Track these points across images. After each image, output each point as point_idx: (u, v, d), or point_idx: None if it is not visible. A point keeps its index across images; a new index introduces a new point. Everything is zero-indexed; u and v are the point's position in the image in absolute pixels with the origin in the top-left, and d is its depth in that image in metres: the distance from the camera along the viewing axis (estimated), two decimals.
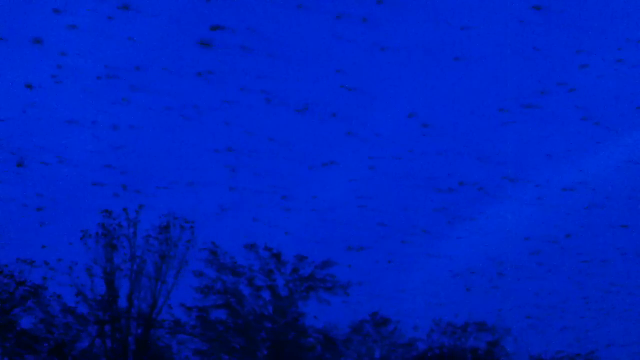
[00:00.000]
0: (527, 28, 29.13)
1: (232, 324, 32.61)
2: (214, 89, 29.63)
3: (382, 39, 28.69)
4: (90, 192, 32.14)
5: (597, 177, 36.66)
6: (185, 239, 31.51)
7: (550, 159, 36.58)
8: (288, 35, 28.28)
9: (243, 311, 32.79)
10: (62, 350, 30.80)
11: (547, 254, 36.55)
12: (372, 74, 30.38)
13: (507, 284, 36.26)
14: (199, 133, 31.69)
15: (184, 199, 32.40)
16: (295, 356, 33.02)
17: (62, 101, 29.41)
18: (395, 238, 35.69)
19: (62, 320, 30.68)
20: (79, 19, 26.31)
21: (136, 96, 29.32)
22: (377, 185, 37.09)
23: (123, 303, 31.26)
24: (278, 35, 28.22)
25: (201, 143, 32.17)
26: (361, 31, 28.23)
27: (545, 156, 36.14)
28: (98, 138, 30.72)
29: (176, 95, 29.91)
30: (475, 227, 36.97)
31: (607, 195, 37.05)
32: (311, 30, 28.13)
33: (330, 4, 27.36)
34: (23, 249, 30.93)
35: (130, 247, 31.23)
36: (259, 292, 32.98)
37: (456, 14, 28.38)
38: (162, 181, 32.03)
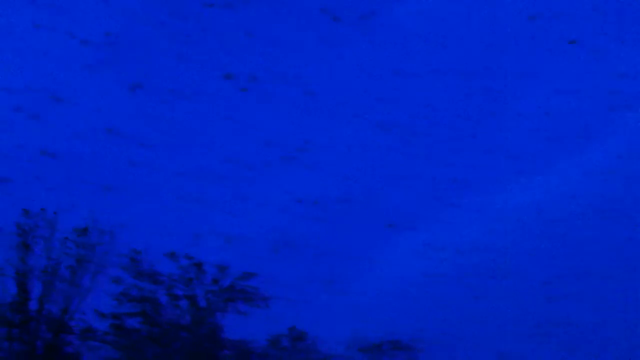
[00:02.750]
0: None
1: (146, 332, 31.96)
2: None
3: None
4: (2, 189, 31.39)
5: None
6: (104, 243, 30.89)
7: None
8: None
9: (159, 320, 32.18)
10: None
11: (486, 272, 37.23)
12: None
13: (439, 301, 36.72)
14: None
15: (105, 202, 31.78)
16: None
17: None
18: (320, 252, 35.96)
19: None
20: None
21: None
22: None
23: (34, 305, 30.47)
24: None
25: None
26: None
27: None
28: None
29: None
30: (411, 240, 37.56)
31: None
32: None
33: None
34: None
35: (46, 248, 30.45)
36: (177, 301, 32.44)
37: None
38: (84, 183, 31.37)
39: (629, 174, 39.68)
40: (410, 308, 37.61)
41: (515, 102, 41.13)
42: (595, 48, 41.93)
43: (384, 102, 40.31)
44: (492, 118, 40.60)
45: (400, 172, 40.12)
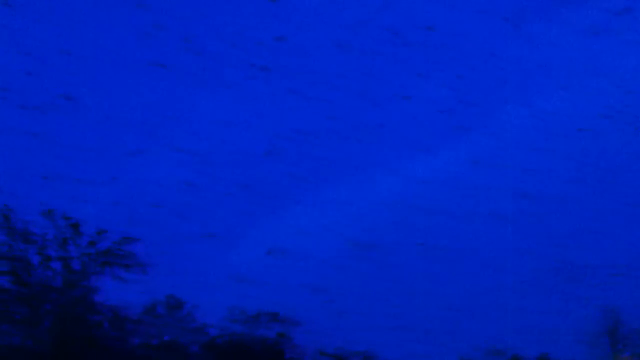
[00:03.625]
0: None
1: (15, 292, 30.54)
2: None
3: None
4: None
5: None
6: None
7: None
8: None
9: (29, 280, 30.80)
10: None
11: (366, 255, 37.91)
12: None
13: (315, 279, 37.07)
14: None
15: None
16: (80, 332, 31.58)
17: None
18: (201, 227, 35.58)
19: None
20: None
21: None
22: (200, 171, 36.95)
23: None
24: None
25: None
26: None
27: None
28: None
29: None
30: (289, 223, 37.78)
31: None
32: None
33: None
34: None
35: None
36: (49, 263, 31.13)
37: None
38: None
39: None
40: (288, 282, 37.88)
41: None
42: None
43: None
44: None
45: None
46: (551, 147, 42.24)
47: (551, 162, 41.81)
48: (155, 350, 33.28)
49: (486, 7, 41.60)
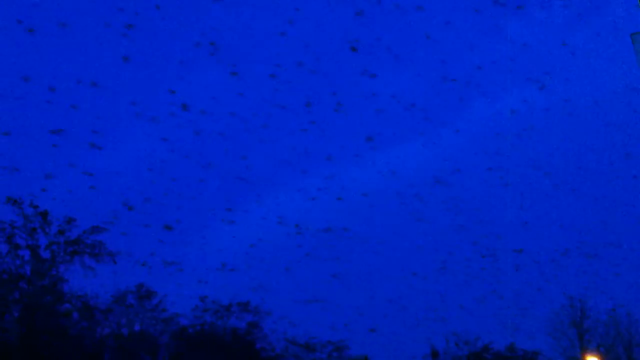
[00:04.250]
0: None
1: None
2: None
3: None
4: None
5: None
6: None
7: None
8: None
9: None
10: None
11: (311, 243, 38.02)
12: None
13: (278, 271, 37.11)
14: None
15: None
16: (49, 322, 31.28)
17: None
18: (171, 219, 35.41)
19: None
20: None
21: None
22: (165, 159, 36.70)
23: None
24: None
25: None
26: None
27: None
28: None
29: None
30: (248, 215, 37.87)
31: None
32: None
33: None
34: None
35: None
36: (18, 251, 30.77)
37: None
38: None
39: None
40: (257, 272, 37.92)
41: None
42: None
43: None
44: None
45: None
46: None
47: None
48: (125, 340, 33.07)
49: None
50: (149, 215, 35.07)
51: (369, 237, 39.16)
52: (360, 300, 37.40)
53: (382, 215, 40.89)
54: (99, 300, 31.99)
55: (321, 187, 39.20)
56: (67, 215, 31.52)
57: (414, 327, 36.75)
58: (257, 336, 36.11)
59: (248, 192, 40.18)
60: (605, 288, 35.15)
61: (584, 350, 31.73)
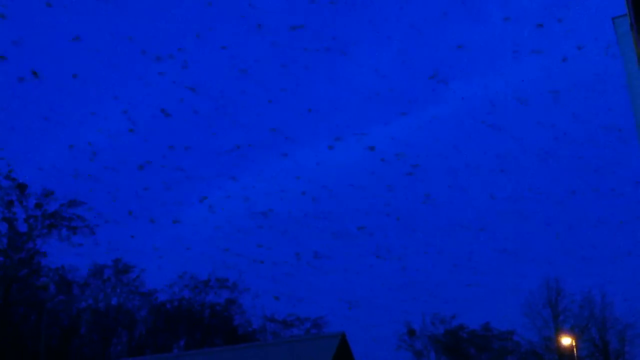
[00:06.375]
0: None
1: None
2: None
3: None
4: None
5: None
6: None
7: None
8: None
9: None
10: None
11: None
12: None
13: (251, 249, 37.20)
14: None
15: None
16: (25, 293, 31.10)
17: None
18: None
19: None
20: None
21: None
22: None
23: None
24: None
25: None
26: None
27: None
28: None
29: None
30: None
31: None
32: None
33: None
34: None
35: None
36: None
37: None
38: None
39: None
40: (235, 248, 37.96)
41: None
42: None
43: None
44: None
45: None
46: None
47: None
48: (102, 314, 32.94)
49: None
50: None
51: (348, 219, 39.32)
52: (339, 279, 37.62)
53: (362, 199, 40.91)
54: (76, 274, 31.90)
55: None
56: (45, 188, 31.29)
57: (391, 305, 36.95)
58: (236, 312, 36.12)
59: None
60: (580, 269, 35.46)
61: (559, 332, 31.93)
